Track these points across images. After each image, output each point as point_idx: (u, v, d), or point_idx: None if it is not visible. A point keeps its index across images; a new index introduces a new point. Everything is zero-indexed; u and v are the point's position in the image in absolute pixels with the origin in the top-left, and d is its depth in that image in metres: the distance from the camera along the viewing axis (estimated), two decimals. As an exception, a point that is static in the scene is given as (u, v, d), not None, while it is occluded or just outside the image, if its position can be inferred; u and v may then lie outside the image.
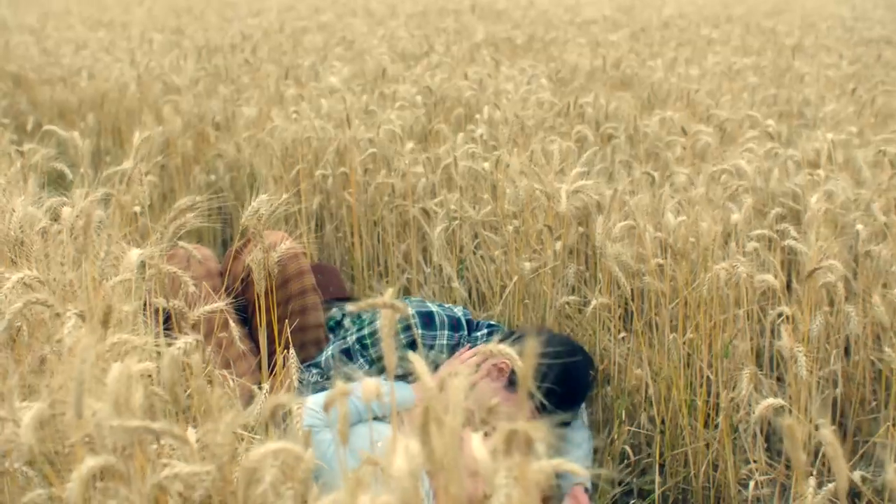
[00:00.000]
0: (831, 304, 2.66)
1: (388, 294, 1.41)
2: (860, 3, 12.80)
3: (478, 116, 4.32)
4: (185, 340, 1.47)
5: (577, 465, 2.35)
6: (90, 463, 1.21)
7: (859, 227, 2.78)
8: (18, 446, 1.27)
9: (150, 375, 1.43)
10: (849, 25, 8.76)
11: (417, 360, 1.29)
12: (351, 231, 3.95)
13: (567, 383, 2.38)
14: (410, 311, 2.76)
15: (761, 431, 2.58)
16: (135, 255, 1.89)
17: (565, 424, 2.58)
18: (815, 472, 2.23)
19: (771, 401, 1.94)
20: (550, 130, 4.15)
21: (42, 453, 1.31)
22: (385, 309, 1.36)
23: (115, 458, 1.23)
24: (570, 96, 4.62)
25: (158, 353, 1.47)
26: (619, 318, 2.94)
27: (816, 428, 2.03)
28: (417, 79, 5.32)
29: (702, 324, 2.66)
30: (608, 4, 11.95)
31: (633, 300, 2.85)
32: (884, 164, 3.29)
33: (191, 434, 1.29)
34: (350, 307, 1.39)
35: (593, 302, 2.87)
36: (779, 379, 2.79)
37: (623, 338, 2.91)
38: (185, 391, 1.42)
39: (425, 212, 3.64)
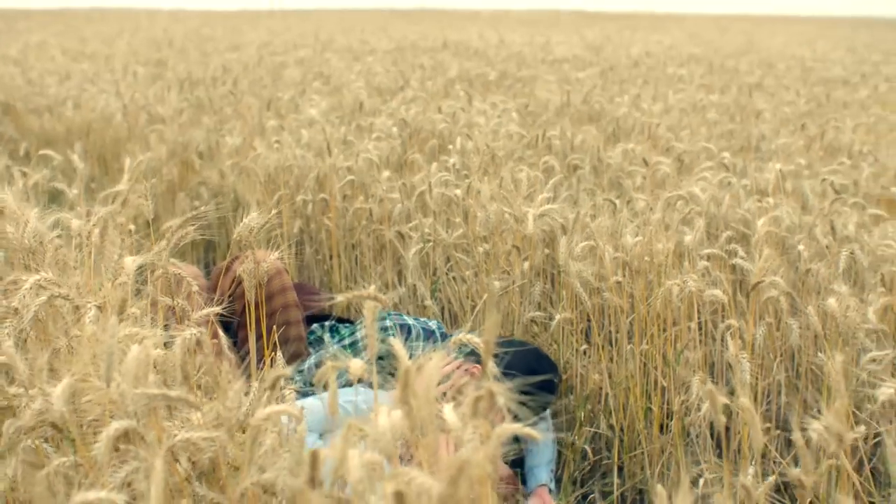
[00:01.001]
0: (776, 316, 2.88)
1: (372, 288, 1.63)
2: (821, 45, 13.25)
3: (451, 147, 4.55)
4: (191, 330, 1.67)
5: (542, 470, 2.58)
6: (115, 426, 1.40)
7: (801, 247, 3.02)
8: (51, 413, 1.45)
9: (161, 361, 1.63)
10: (808, 66, 9.12)
11: (396, 344, 1.50)
12: (330, 254, 4.14)
13: (533, 370, 2.61)
14: (389, 323, 2.97)
15: (711, 435, 2.79)
16: (130, 261, 2.09)
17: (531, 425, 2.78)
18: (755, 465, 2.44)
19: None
20: (519, 161, 4.38)
21: (69, 422, 1.50)
22: (369, 300, 1.58)
23: (136, 422, 1.43)
24: (539, 129, 4.86)
25: (166, 343, 1.67)
26: (581, 331, 3.15)
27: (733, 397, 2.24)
28: (393, 112, 5.55)
29: (656, 335, 2.88)
30: (578, 44, 12.30)
31: (593, 315, 3.07)
32: (828, 193, 3.54)
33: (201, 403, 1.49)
34: (339, 297, 1.59)
35: (557, 317, 3.09)
36: (728, 384, 3.01)
37: (584, 350, 3.12)
38: (195, 371, 1.62)
39: (401, 235, 3.84)
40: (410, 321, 3.04)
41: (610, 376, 3.02)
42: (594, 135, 4.87)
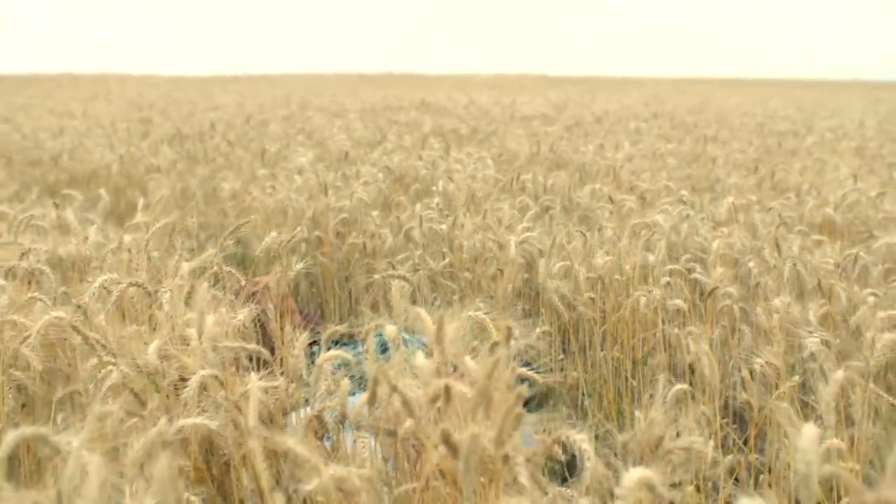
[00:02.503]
0: (731, 323, 3.28)
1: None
2: (773, 103, 13.95)
3: (434, 189, 4.95)
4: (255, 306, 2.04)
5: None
6: (202, 373, 1.76)
7: (751, 264, 3.44)
8: (148, 366, 1.80)
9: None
10: (760, 121, 9.69)
11: (423, 314, 1.88)
12: (324, 286, 4.50)
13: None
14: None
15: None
16: (186, 265, 2.46)
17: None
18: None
19: (679, 386, 2.54)
20: (497, 201, 4.79)
21: (160, 374, 1.84)
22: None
23: (218, 371, 1.79)
24: (513, 174, 5.29)
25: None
26: (559, 343, 3.53)
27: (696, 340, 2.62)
28: (376, 161, 5.96)
29: (626, 342, 3.27)
30: (543, 104, 12.87)
31: (570, 327, 3.46)
32: (776, 221, 3.97)
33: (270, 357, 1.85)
34: (340, 327, 1.98)
35: (537, 330, 3.47)
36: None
37: (562, 359, 3.50)
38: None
39: (392, 266, 4.21)
40: (407, 337, 3.41)
41: (585, 382, 3.39)
42: (564, 178, 5.30)
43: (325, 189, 4.59)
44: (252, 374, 1.86)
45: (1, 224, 3.31)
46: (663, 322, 3.27)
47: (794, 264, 3.26)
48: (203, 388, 1.78)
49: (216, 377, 1.77)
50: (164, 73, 37.53)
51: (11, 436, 1.22)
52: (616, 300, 3.38)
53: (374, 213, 4.53)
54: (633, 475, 1.25)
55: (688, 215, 4.22)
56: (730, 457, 1.84)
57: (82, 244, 2.74)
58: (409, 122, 8.76)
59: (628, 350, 3.29)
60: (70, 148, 6.92)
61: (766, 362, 1.80)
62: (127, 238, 2.72)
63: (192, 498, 1.62)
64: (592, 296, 3.43)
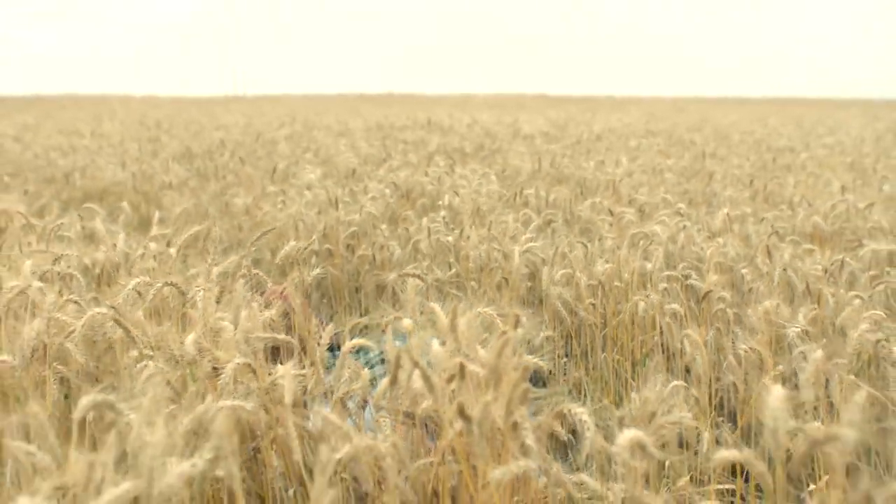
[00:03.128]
0: (726, 325, 3.45)
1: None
2: (772, 121, 14.15)
3: (440, 203, 5.13)
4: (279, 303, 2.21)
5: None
6: (238, 360, 1.93)
7: (744, 271, 3.61)
8: (185, 356, 1.97)
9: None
10: (758, 138, 9.89)
11: (436, 308, 2.04)
12: (336, 296, 4.67)
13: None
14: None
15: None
16: (216, 268, 2.63)
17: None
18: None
19: (676, 383, 2.71)
20: (501, 214, 4.96)
21: (197, 363, 2.01)
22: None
23: (251, 360, 1.96)
24: (516, 188, 5.47)
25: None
26: (562, 347, 3.70)
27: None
28: (383, 177, 6.15)
29: (625, 345, 3.44)
30: (544, 123, 13.07)
31: (572, 333, 3.63)
32: (768, 230, 4.14)
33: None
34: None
35: (541, 335, 3.63)
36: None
37: (564, 362, 3.67)
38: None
39: (400, 277, 4.38)
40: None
41: (586, 384, 3.56)
42: (565, 193, 5.48)
43: (335, 203, 4.77)
44: (279, 364, 2.03)
45: (30, 234, 3.49)
46: (660, 326, 3.43)
47: (785, 269, 3.43)
48: (236, 375, 1.95)
49: (249, 365, 1.94)
50: (166, 94, 37.78)
51: (85, 400, 1.39)
52: (616, 305, 3.55)
53: (383, 226, 4.70)
54: (627, 435, 1.42)
55: (684, 226, 4.39)
56: (716, 431, 2.00)
57: (111, 251, 2.91)
58: (414, 140, 8.95)
59: (628, 352, 3.46)
60: (82, 166, 7.10)
61: (751, 348, 1.97)
62: (152, 246, 2.90)
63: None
64: (593, 301, 3.60)
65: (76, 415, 1.39)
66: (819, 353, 1.81)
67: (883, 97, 38.70)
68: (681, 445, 2.11)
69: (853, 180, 5.69)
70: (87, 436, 1.60)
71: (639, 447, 1.46)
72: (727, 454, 1.36)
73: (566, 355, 3.74)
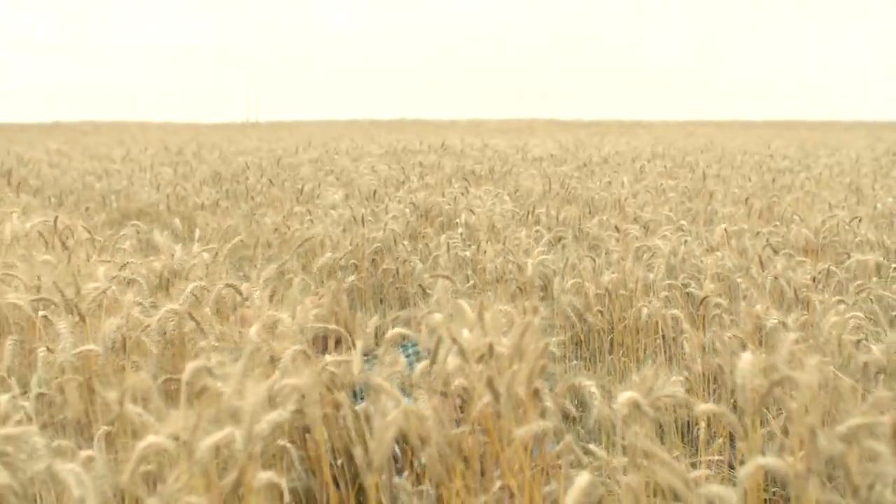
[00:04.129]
0: (722, 329, 3.78)
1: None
2: (776, 144, 14.52)
3: (457, 221, 5.49)
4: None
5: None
6: (295, 347, 2.27)
7: (739, 280, 3.95)
8: (249, 344, 2.32)
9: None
10: (760, 160, 10.24)
11: (464, 304, 2.38)
12: (362, 306, 5.02)
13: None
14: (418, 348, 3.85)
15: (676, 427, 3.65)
16: (264, 272, 2.99)
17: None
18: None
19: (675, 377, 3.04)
20: (514, 231, 5.32)
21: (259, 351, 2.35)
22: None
23: (307, 348, 2.30)
24: (528, 207, 5.82)
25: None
26: (572, 350, 4.04)
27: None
28: (402, 198, 6.51)
29: (630, 347, 3.78)
30: (554, 147, 13.45)
31: (582, 337, 3.97)
32: (763, 244, 4.48)
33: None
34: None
35: (553, 339, 3.98)
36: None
37: (575, 364, 4.01)
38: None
39: (422, 288, 4.73)
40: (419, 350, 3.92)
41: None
42: (574, 211, 5.83)
43: (361, 221, 5.13)
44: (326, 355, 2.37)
45: (91, 247, 3.85)
46: (662, 330, 3.77)
47: (776, 278, 3.77)
48: (294, 359, 2.29)
49: (304, 352, 2.28)
50: (182, 120, 38.31)
51: (191, 365, 1.74)
52: (621, 312, 3.89)
53: (404, 242, 5.06)
54: (625, 395, 1.76)
55: (685, 241, 4.73)
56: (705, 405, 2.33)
57: (169, 260, 3.27)
58: (430, 163, 9.33)
59: (633, 354, 3.80)
60: (118, 189, 7.49)
61: (734, 335, 2.31)
62: (205, 255, 3.27)
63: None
64: (601, 309, 3.94)
65: (184, 377, 1.74)
66: (792, 336, 2.14)
67: (888, 119, 39.02)
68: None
69: (845, 198, 6.03)
70: (180, 402, 1.93)
71: (635, 406, 1.80)
72: (705, 407, 1.70)
73: (576, 358, 4.07)
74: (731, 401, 2.73)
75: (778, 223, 5.13)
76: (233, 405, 1.68)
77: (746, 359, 1.65)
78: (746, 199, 5.91)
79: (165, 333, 2.63)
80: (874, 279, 4.19)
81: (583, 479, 1.67)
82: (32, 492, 1.70)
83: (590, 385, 2.02)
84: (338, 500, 1.95)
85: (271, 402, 1.81)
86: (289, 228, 5.59)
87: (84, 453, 1.76)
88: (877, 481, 1.41)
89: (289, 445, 2.11)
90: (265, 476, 1.65)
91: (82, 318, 2.68)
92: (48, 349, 2.51)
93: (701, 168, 8.97)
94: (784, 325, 2.54)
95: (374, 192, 6.68)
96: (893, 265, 4.42)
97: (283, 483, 1.66)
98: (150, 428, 1.76)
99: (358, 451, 1.73)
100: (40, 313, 2.75)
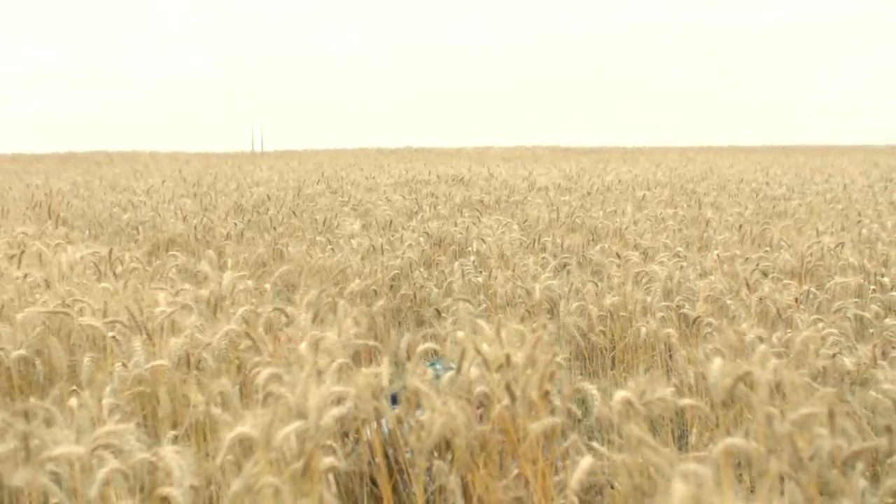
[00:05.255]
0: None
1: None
2: (774, 170, 14.96)
3: (469, 249, 5.89)
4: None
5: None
6: (340, 360, 2.66)
7: (729, 301, 4.34)
8: (299, 360, 2.71)
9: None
10: (755, 188, 10.66)
11: (482, 323, 2.78)
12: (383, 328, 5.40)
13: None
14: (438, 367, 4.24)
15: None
16: (306, 297, 3.38)
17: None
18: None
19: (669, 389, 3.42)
20: (522, 258, 5.72)
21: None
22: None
23: (349, 360, 2.69)
24: (535, 235, 6.23)
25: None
26: (577, 367, 4.42)
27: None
28: (416, 227, 6.92)
29: (630, 363, 4.17)
30: (558, 174, 13.88)
31: (586, 355, 4.35)
32: (752, 269, 4.87)
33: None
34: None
35: (559, 356, 4.37)
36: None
37: (580, 379, 4.39)
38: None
39: (437, 311, 5.12)
40: (454, 366, 4.30)
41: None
42: (578, 239, 6.24)
43: (380, 250, 5.53)
44: (363, 367, 2.75)
45: (137, 276, 4.26)
46: (658, 347, 4.16)
47: (761, 299, 4.16)
48: (339, 370, 2.68)
49: (347, 364, 2.68)
50: (190, 150, 38.76)
51: (264, 372, 2.13)
52: (622, 331, 4.29)
53: (420, 269, 5.45)
54: (619, 394, 2.15)
55: (681, 266, 5.13)
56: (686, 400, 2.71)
57: (217, 287, 3.67)
58: (440, 193, 9.75)
59: (633, 370, 4.18)
60: (144, 220, 7.91)
61: (715, 347, 2.70)
62: (249, 283, 3.67)
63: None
64: (603, 329, 4.34)
65: (259, 380, 2.14)
66: (763, 347, 2.53)
67: (888, 143, 39.45)
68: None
69: (831, 224, 6.43)
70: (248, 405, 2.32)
71: (628, 404, 2.19)
72: (684, 401, 2.09)
73: (581, 373, 4.46)
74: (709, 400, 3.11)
75: (768, 249, 5.52)
76: (300, 404, 2.08)
77: (717, 363, 2.05)
78: (740, 227, 6.31)
79: (225, 350, 3.02)
80: (855, 300, 4.55)
81: (585, 462, 2.06)
82: (137, 475, 2.08)
83: (591, 388, 2.41)
84: (387, 480, 2.34)
85: (331, 402, 2.20)
86: (311, 257, 5.99)
87: (172, 447, 2.15)
88: (816, 455, 1.79)
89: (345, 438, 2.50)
90: (328, 461, 2.04)
91: (150, 338, 3.08)
92: (123, 364, 2.91)
93: (699, 195, 9.39)
94: (760, 339, 2.91)
95: (390, 222, 7.09)
96: (872, 287, 4.81)
97: (341, 466, 2.05)
98: (229, 425, 2.15)
99: (411, 438, 2.12)
100: (110, 334, 3.16)
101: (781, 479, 1.87)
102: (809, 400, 1.96)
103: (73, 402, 2.30)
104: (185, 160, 26.02)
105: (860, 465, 1.99)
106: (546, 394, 2.30)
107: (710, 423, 2.11)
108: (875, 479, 2.50)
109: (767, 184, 11.34)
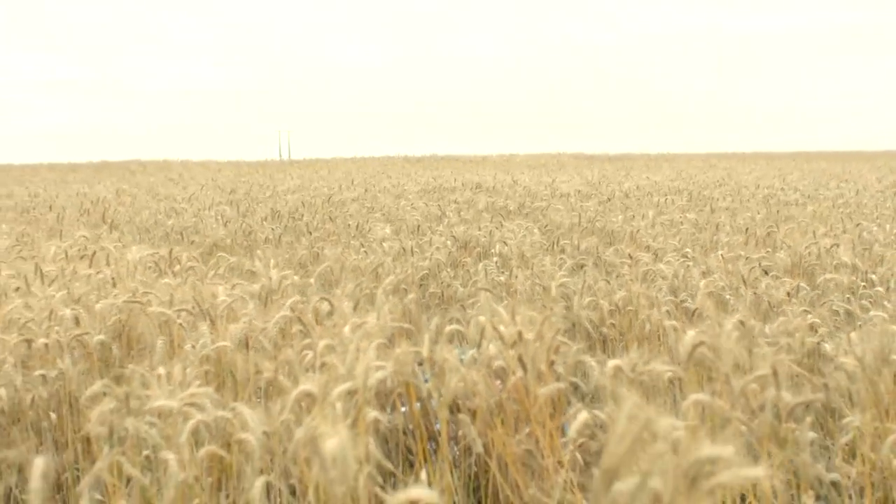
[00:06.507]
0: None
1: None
2: (791, 176, 15.34)
3: (492, 251, 6.36)
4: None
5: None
6: (377, 341, 3.13)
7: (729, 297, 4.78)
8: (344, 341, 3.18)
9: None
10: (770, 193, 11.06)
11: (500, 309, 3.24)
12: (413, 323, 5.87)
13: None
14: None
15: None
16: (346, 289, 3.86)
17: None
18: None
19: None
20: (541, 259, 6.17)
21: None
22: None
23: (388, 342, 3.16)
24: (554, 238, 6.69)
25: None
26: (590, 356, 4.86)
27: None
28: (443, 231, 7.39)
29: (637, 350, 4.60)
30: (579, 182, 14.33)
31: (598, 345, 4.80)
32: (752, 267, 5.30)
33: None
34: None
35: (574, 347, 4.82)
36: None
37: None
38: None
39: (463, 307, 5.59)
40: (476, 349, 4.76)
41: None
42: (594, 242, 6.69)
43: (411, 252, 6.01)
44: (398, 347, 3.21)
45: (193, 273, 4.76)
46: (660, 337, 4.60)
47: (756, 294, 4.59)
48: (378, 348, 3.15)
49: (385, 344, 3.14)
50: (220, 158, 39.47)
51: (322, 342, 2.61)
52: (630, 324, 4.73)
53: (447, 269, 5.92)
54: (611, 363, 2.60)
55: (687, 265, 5.56)
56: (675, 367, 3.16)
57: (267, 281, 4.16)
58: (465, 200, 10.23)
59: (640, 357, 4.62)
60: (187, 226, 8.44)
61: (702, 330, 3.16)
62: (295, 278, 4.15)
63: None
64: (613, 321, 4.78)
65: (318, 349, 2.61)
66: (732, 319, 2.97)
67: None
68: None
69: (830, 228, 6.84)
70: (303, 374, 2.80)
71: (619, 370, 2.64)
72: (661, 367, 2.54)
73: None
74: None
75: (770, 250, 5.94)
76: (349, 370, 2.55)
77: (690, 334, 2.50)
78: (746, 230, 6.74)
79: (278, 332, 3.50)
80: (849, 295, 4.97)
81: (582, 416, 2.52)
82: (218, 427, 2.56)
83: (590, 360, 2.87)
84: (422, 430, 2.81)
85: (375, 368, 2.67)
86: (346, 259, 6.47)
87: (243, 406, 2.63)
88: (766, 405, 2.24)
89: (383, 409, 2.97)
90: (373, 415, 2.51)
91: (213, 324, 3.57)
92: (192, 345, 3.40)
93: (714, 201, 9.81)
94: (742, 323, 3.35)
95: (418, 226, 7.58)
96: (863, 283, 5.23)
97: (385, 420, 2.52)
98: (291, 387, 2.62)
99: (436, 394, 2.59)
100: (178, 320, 3.66)
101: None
102: (763, 365, 2.40)
103: (160, 370, 2.78)
104: (216, 168, 26.63)
105: (808, 419, 2.44)
106: (552, 364, 2.76)
107: (683, 382, 2.56)
108: (830, 435, 2.94)
109: (782, 189, 11.74)
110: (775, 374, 2.26)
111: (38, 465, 1.79)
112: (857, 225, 6.94)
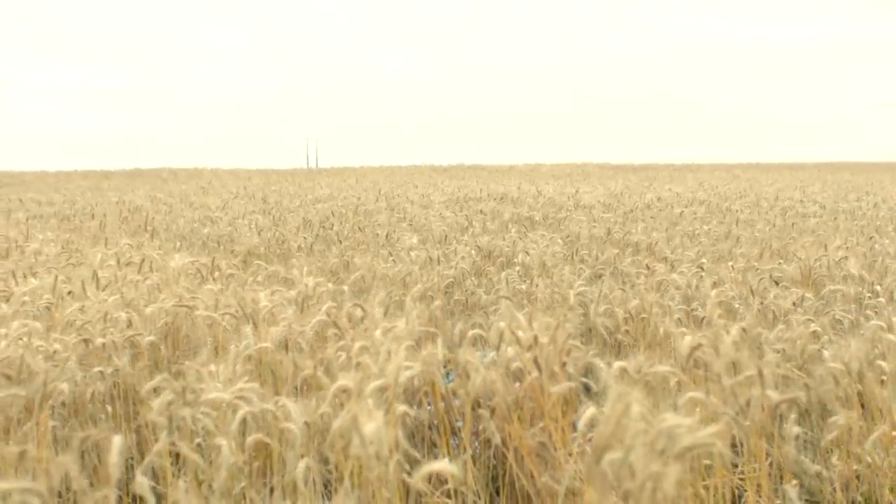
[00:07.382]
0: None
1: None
2: (812, 188, 15.54)
3: (515, 261, 6.65)
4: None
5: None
6: (407, 343, 3.43)
7: (737, 305, 5.04)
8: (375, 343, 3.48)
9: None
10: (788, 205, 11.28)
11: (519, 315, 3.54)
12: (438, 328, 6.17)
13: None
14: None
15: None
16: (376, 297, 4.17)
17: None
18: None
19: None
20: (561, 269, 6.46)
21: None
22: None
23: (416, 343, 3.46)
24: (574, 249, 6.97)
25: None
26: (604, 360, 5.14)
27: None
28: (468, 241, 7.69)
29: (650, 356, 4.88)
30: (602, 192, 14.60)
31: (612, 351, 5.08)
32: (763, 278, 5.56)
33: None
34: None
35: (585, 350, 5.10)
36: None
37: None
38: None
39: (486, 314, 5.88)
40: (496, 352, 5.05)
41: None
42: (613, 252, 6.96)
43: (436, 261, 6.31)
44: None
45: (233, 280, 5.08)
46: (671, 343, 4.86)
47: (763, 303, 4.85)
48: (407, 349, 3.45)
49: (412, 346, 3.44)
50: (248, 166, 39.96)
51: (356, 344, 2.91)
52: (644, 330, 5.01)
53: (472, 278, 6.22)
54: (616, 364, 2.89)
55: (701, 276, 5.83)
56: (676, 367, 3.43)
57: (304, 288, 4.47)
58: (490, 210, 10.53)
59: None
60: (222, 234, 8.79)
61: (704, 335, 3.44)
62: (329, 285, 4.47)
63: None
64: (627, 328, 5.06)
65: (353, 351, 2.92)
66: (735, 327, 3.24)
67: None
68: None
69: (846, 241, 7.08)
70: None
71: (624, 371, 2.93)
72: (663, 368, 2.83)
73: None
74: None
75: (781, 261, 6.20)
76: (382, 368, 2.85)
77: (687, 339, 2.78)
78: (761, 241, 6.99)
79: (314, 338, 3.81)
80: (854, 305, 5.23)
81: (590, 411, 2.81)
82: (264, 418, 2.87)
83: (599, 362, 3.16)
84: (445, 424, 3.11)
85: (404, 367, 2.97)
86: (376, 267, 6.79)
87: (286, 399, 2.94)
88: (751, 401, 2.53)
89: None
90: (402, 408, 2.82)
91: (255, 326, 3.89)
92: (235, 346, 3.71)
93: (733, 213, 10.05)
94: (744, 330, 3.62)
95: (445, 236, 7.88)
96: (868, 294, 5.47)
97: (412, 414, 2.82)
98: (330, 384, 2.93)
99: (461, 391, 2.89)
100: (223, 323, 3.98)
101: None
102: (750, 366, 2.69)
103: (211, 367, 3.10)
104: (246, 177, 27.07)
105: (793, 416, 2.72)
106: (564, 365, 3.05)
107: (681, 381, 2.84)
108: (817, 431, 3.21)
109: (801, 201, 11.96)
110: (760, 374, 2.54)
111: (117, 444, 2.11)
112: (870, 238, 7.17)
